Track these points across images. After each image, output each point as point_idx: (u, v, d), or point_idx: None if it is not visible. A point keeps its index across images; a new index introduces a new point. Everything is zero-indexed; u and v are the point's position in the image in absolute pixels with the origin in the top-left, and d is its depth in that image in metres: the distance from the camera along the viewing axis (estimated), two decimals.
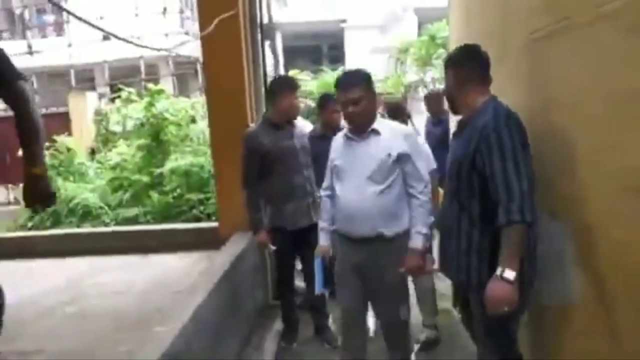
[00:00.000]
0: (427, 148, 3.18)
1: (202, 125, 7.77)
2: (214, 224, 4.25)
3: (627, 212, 1.49)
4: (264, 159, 3.11)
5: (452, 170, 2.06)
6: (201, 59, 3.84)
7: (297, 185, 3.17)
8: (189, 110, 7.97)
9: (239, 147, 3.29)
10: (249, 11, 3.90)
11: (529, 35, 2.16)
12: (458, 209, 2.04)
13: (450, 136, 2.32)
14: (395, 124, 2.53)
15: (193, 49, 16.71)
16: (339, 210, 2.47)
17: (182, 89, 15.89)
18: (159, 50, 3.24)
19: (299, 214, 3.19)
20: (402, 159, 2.35)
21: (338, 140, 2.55)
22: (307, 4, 20.65)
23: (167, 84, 15.28)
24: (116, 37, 2.27)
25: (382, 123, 2.43)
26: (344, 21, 19.56)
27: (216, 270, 2.86)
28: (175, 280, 3.46)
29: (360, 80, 2.38)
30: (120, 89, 8.63)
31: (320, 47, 21.86)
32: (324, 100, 3.59)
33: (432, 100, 4.90)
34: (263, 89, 3.96)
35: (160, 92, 7.03)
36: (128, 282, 3.57)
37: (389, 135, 2.38)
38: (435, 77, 8.45)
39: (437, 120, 4.75)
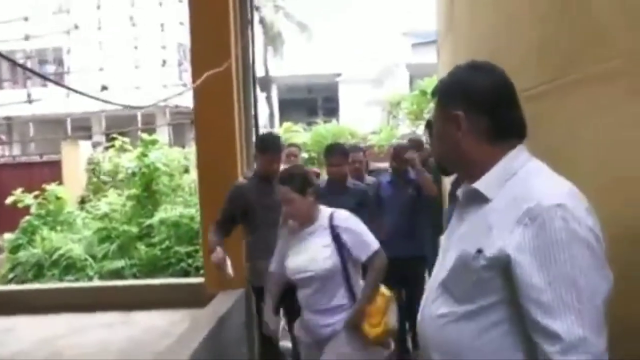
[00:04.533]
0: None
1: (195, 176, 7.73)
2: (200, 280, 4.08)
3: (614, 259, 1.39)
4: (245, 213, 3.02)
5: None
6: (192, 104, 3.82)
7: (272, 242, 2.97)
8: (181, 161, 7.96)
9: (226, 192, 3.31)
10: (242, 64, 3.92)
11: (520, 93, 2.13)
12: None
13: None
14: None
15: (191, 100, 17.04)
16: None
17: (178, 139, 16.00)
18: (127, 106, 3.21)
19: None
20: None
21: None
22: (303, 58, 21.29)
23: (163, 134, 15.41)
24: (81, 93, 2.20)
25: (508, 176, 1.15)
26: (338, 75, 20.13)
27: (197, 334, 2.68)
28: (154, 342, 3.26)
29: None
30: (114, 138, 8.64)
31: (315, 99, 22.35)
32: (332, 151, 3.40)
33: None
34: (254, 142, 3.93)
35: (154, 142, 7.02)
36: (105, 342, 3.36)
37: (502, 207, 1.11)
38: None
39: None
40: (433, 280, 1.24)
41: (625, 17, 1.38)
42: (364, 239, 2.33)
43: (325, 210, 2.39)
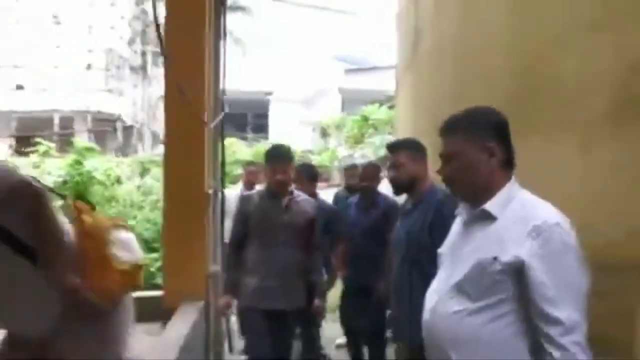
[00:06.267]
0: None
1: (128, 187, 7.41)
2: (156, 293, 3.92)
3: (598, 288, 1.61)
4: (248, 226, 2.95)
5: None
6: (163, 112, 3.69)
7: (269, 262, 2.88)
8: (115, 170, 7.59)
9: (192, 209, 3.26)
10: (213, 76, 3.92)
11: None
12: (408, 271, 2.29)
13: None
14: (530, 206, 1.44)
15: (116, 107, 16.21)
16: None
17: (100, 147, 15.13)
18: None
19: (261, 292, 2.88)
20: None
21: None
22: (234, 73, 21.18)
23: (82, 140, 14.50)
24: None
25: (510, 199, 1.44)
26: (269, 93, 20.24)
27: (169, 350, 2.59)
28: None
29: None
30: (37, 142, 8.03)
31: (245, 115, 22.26)
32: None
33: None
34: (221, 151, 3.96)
35: (91, 149, 6.66)
36: None
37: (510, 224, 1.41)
38: (365, 154, 8.98)
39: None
40: (442, 285, 1.51)
41: None
42: None
43: None
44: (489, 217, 1.43)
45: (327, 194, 4.65)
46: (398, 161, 2.42)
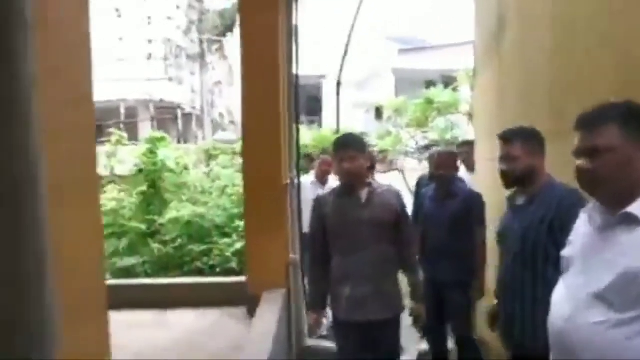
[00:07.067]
0: None
1: (195, 173, 7.68)
2: (240, 279, 4.08)
3: None
4: (326, 232, 2.68)
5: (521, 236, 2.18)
6: (240, 104, 3.78)
7: (355, 267, 2.59)
8: (184, 158, 7.88)
9: (271, 199, 3.38)
10: (287, 70, 3.98)
11: None
12: (521, 269, 2.14)
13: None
14: None
15: (176, 95, 16.75)
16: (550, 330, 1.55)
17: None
18: None
19: (355, 303, 2.60)
20: None
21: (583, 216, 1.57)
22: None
23: (145, 128, 15.12)
24: None
25: None
26: (323, 76, 20.18)
27: (265, 337, 2.71)
28: (202, 342, 3.26)
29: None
30: (110, 132, 8.44)
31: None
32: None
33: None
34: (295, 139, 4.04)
35: (162, 139, 6.92)
36: (152, 341, 3.33)
37: None
38: (432, 138, 8.79)
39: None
40: (576, 292, 1.42)
41: None
42: None
43: None
44: (635, 222, 1.31)
45: (389, 179, 4.65)
46: (512, 153, 2.22)
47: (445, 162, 3.44)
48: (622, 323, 1.29)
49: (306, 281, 3.69)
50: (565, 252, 1.55)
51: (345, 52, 9.07)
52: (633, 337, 1.27)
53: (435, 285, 3.37)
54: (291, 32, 4.06)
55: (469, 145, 4.77)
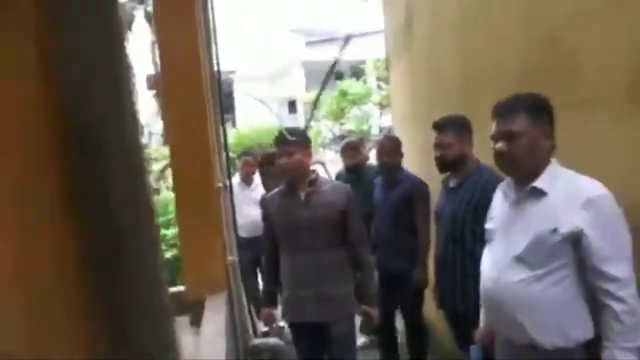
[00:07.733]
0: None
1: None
2: (178, 289, 3.92)
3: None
4: (274, 232, 2.63)
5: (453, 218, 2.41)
6: (162, 109, 3.61)
7: (296, 269, 2.55)
8: None
9: (205, 205, 3.26)
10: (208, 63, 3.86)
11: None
12: (452, 248, 2.41)
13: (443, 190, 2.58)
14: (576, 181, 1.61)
15: None
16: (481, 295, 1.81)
17: None
18: None
19: (294, 305, 2.59)
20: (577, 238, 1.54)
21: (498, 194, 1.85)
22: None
23: None
24: None
25: (555, 176, 1.62)
26: (232, 72, 19.83)
27: (217, 343, 2.65)
28: None
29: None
30: None
31: None
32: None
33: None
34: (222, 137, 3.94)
35: None
36: None
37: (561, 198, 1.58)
38: (349, 129, 8.97)
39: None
40: (499, 258, 1.69)
41: None
42: None
43: None
44: (541, 194, 1.60)
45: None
46: (445, 140, 2.39)
47: (388, 149, 3.30)
48: (537, 279, 1.57)
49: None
50: (488, 225, 1.84)
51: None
52: (545, 290, 1.56)
53: (385, 273, 3.42)
54: (209, 27, 3.93)
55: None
